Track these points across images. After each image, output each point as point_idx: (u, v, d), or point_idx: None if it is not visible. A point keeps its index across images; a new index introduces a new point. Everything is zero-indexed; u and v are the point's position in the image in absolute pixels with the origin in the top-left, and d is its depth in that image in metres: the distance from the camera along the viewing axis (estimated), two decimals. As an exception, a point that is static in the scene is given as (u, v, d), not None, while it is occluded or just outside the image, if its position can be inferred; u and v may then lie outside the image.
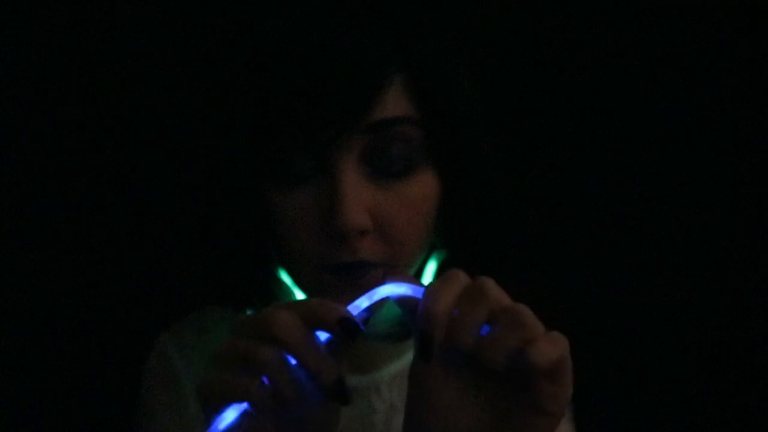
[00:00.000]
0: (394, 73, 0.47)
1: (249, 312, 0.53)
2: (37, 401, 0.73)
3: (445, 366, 0.40)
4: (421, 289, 0.39)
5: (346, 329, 0.37)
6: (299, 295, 0.54)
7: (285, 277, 0.53)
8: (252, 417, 0.37)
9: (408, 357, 0.58)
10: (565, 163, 0.79)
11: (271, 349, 0.37)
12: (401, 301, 0.40)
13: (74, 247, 0.74)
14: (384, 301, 0.40)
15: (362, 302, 0.40)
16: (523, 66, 0.77)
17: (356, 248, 0.47)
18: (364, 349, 0.57)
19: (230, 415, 0.37)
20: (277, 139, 0.47)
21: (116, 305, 0.75)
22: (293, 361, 0.37)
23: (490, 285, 0.38)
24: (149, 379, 0.60)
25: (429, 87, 0.48)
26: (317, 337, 0.38)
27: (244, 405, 0.37)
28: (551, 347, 0.37)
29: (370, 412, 0.57)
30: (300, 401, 0.38)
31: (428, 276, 0.54)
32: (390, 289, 0.40)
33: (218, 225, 0.53)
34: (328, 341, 0.39)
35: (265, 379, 0.37)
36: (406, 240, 0.49)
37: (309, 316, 0.38)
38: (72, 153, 0.73)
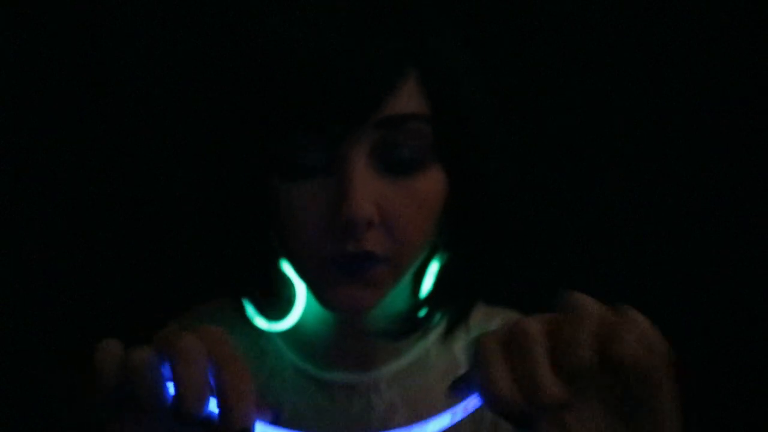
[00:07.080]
0: (409, 69, 0.47)
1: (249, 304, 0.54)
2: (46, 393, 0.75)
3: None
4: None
5: None
6: (301, 287, 0.54)
7: (288, 269, 0.53)
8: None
9: (408, 356, 0.58)
10: (570, 164, 0.79)
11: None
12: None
13: (79, 245, 0.76)
14: None
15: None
16: (528, 64, 0.77)
17: (362, 239, 0.47)
18: (364, 347, 0.57)
19: None
20: (289, 133, 0.47)
21: (122, 301, 0.76)
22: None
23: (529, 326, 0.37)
24: None
25: (442, 84, 0.48)
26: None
27: None
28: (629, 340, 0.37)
29: (369, 409, 0.56)
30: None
31: (429, 277, 0.54)
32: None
33: (223, 216, 0.53)
34: None
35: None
36: (411, 235, 0.49)
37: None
38: (77, 147, 0.75)
